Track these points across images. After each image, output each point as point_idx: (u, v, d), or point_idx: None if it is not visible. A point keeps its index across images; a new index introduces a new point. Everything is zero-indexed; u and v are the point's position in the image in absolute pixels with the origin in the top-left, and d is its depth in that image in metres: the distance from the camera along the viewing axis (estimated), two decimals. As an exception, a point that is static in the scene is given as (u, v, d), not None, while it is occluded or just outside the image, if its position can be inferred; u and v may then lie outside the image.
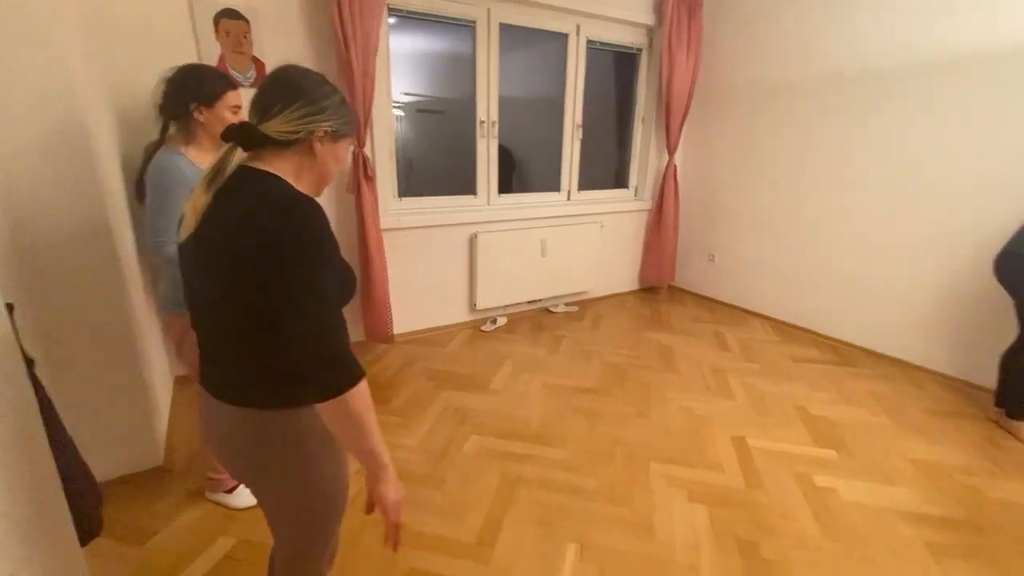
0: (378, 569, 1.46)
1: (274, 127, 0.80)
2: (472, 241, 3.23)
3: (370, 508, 0.87)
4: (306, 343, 0.73)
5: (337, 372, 0.74)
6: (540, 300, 3.69)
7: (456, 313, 3.37)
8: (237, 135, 0.79)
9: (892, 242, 2.89)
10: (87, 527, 1.09)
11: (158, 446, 1.88)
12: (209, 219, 0.78)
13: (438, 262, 3.18)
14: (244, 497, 1.68)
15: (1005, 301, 2.26)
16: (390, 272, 2.89)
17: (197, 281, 0.83)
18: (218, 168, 0.78)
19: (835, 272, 3.17)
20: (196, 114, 1.43)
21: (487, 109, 3.13)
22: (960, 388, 2.66)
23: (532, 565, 1.49)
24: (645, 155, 3.98)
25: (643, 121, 3.93)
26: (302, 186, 0.84)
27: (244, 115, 1.05)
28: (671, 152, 3.80)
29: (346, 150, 0.92)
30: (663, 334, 3.34)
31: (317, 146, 0.84)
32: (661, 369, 2.82)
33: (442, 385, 2.58)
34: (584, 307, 3.83)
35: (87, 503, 1.10)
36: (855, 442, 2.16)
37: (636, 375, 2.74)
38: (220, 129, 1.24)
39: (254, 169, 0.80)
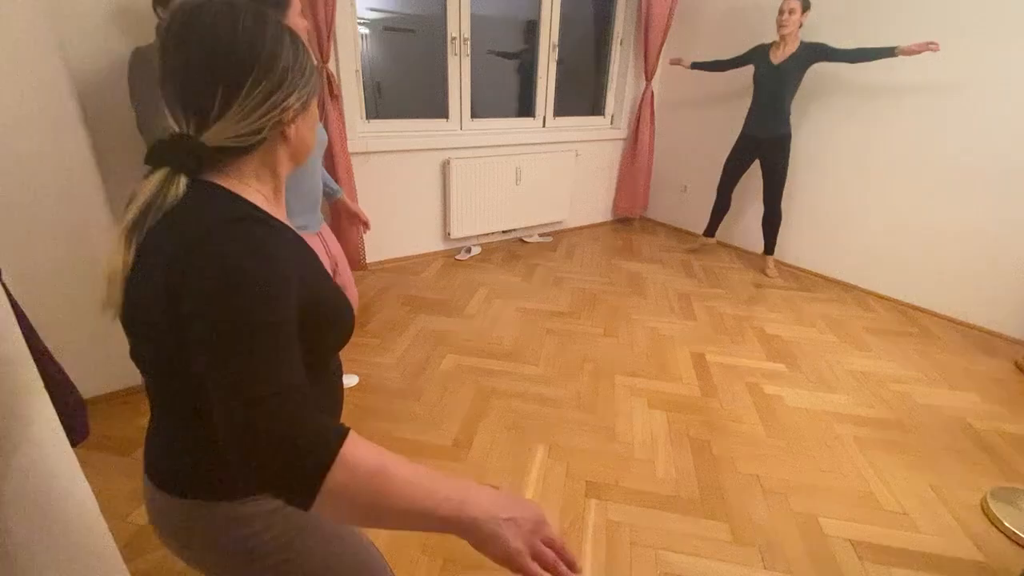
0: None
1: (224, 134, 0.52)
2: (445, 167, 3.17)
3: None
4: (235, 427, 0.46)
5: (297, 460, 0.45)
6: (514, 230, 3.71)
7: (430, 242, 3.37)
8: (172, 158, 0.52)
9: (854, 172, 2.97)
10: (74, 430, 1.14)
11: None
12: (133, 267, 0.54)
13: (410, 189, 3.13)
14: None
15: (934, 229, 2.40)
16: (360, 198, 2.84)
17: (132, 340, 0.60)
18: (145, 209, 0.52)
19: (797, 203, 3.27)
20: None
21: (459, 25, 2.97)
22: (902, 309, 2.86)
23: (504, 463, 1.62)
24: (622, 81, 3.89)
25: (621, 44, 3.80)
26: (262, 180, 0.60)
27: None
28: (648, 78, 3.72)
29: (316, 107, 0.65)
30: (633, 262, 3.44)
31: (291, 132, 0.58)
32: (629, 294, 2.93)
33: (417, 310, 2.63)
34: (558, 238, 3.87)
35: (70, 407, 1.13)
36: (803, 357, 2.34)
37: (606, 300, 2.84)
38: None
39: (197, 184, 0.55)
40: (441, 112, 3.17)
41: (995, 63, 2.39)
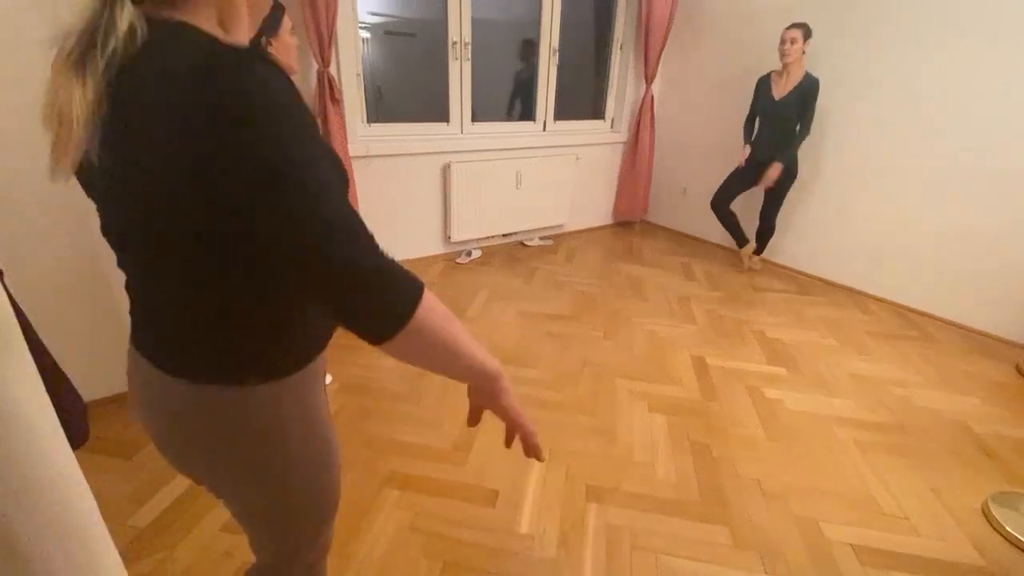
0: (360, 473, 1.56)
1: None
2: (445, 171, 3.18)
3: (474, 421, 0.68)
4: (324, 266, 0.45)
5: (389, 294, 0.48)
6: (515, 233, 3.71)
7: (430, 245, 3.38)
8: None
9: (853, 175, 2.98)
10: (74, 433, 1.14)
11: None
12: (108, 131, 0.45)
13: (411, 192, 3.14)
14: None
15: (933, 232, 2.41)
16: (361, 201, 2.85)
17: (116, 211, 0.54)
18: (88, 39, 0.43)
19: (797, 206, 3.27)
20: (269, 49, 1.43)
21: (460, 29, 2.98)
22: (902, 312, 2.86)
23: (504, 466, 1.62)
24: (622, 85, 3.90)
25: (621, 48, 3.82)
26: (233, 32, 0.54)
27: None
28: (648, 82, 3.73)
29: None
30: (633, 265, 3.44)
31: None
32: (629, 297, 2.93)
33: (418, 313, 2.63)
34: (558, 241, 3.88)
35: (71, 409, 1.13)
36: (804, 360, 2.34)
37: (606, 303, 2.84)
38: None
39: (160, 22, 0.47)
40: (442, 116, 3.18)
41: (995, 64, 2.39)
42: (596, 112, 4.05)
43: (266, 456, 0.63)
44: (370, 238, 0.49)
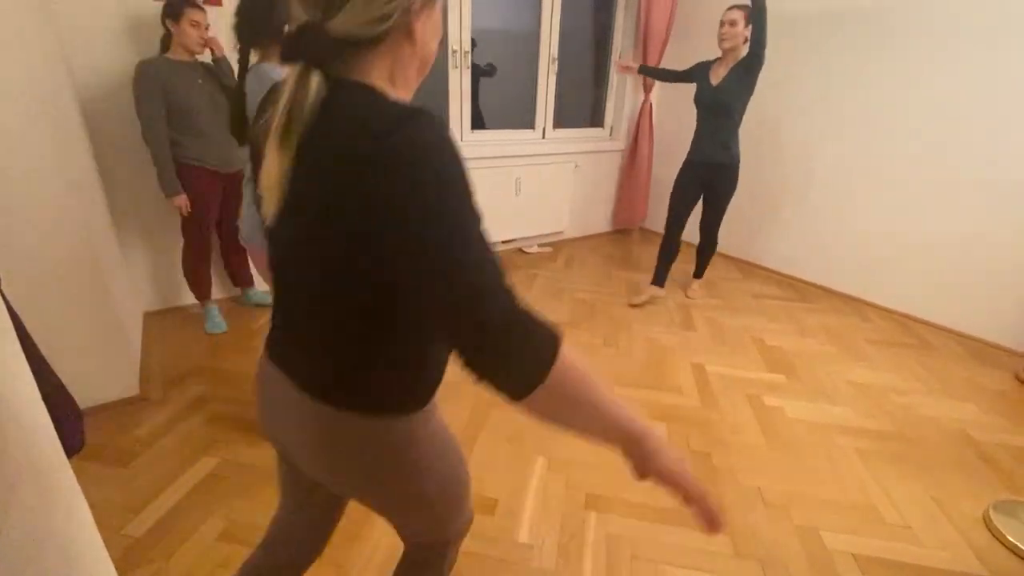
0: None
1: (351, 20, 0.50)
2: (445, 178, 3.18)
3: (637, 477, 0.59)
4: (464, 323, 0.48)
5: (523, 354, 0.49)
6: (514, 240, 3.72)
7: (430, 252, 3.37)
8: (303, 50, 0.51)
9: (851, 182, 2.99)
10: (69, 441, 1.13)
11: (133, 377, 1.90)
12: (296, 179, 0.53)
13: (411, 199, 3.14)
14: None
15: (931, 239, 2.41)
16: (362, 208, 2.85)
17: (286, 244, 0.60)
18: (290, 112, 0.51)
19: (795, 214, 3.29)
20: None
21: (460, 37, 3.01)
22: (900, 320, 2.86)
23: (504, 474, 1.61)
24: (621, 93, 3.92)
25: (620, 57, 3.84)
26: (400, 90, 0.58)
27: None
28: (647, 90, 3.75)
29: (442, 12, 0.61)
30: (633, 273, 3.44)
31: (417, 26, 0.55)
32: (629, 305, 2.93)
33: (417, 320, 2.62)
34: (557, 248, 3.88)
35: (67, 417, 1.12)
36: (804, 368, 2.33)
37: (605, 310, 2.84)
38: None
39: (343, 82, 0.53)
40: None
41: (994, 70, 2.40)
42: (595, 120, 4.07)
43: (407, 476, 0.67)
44: (510, 296, 0.49)
